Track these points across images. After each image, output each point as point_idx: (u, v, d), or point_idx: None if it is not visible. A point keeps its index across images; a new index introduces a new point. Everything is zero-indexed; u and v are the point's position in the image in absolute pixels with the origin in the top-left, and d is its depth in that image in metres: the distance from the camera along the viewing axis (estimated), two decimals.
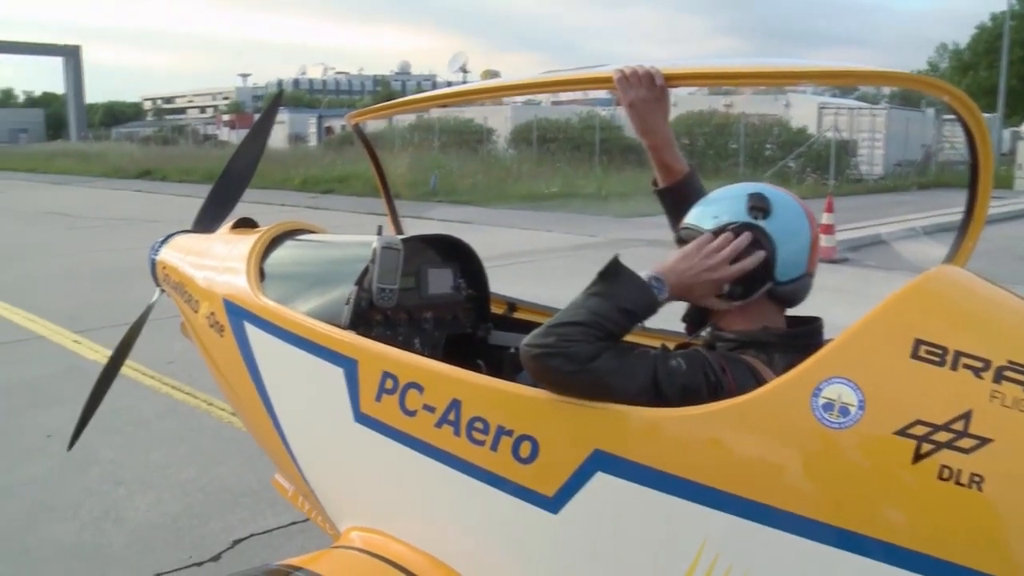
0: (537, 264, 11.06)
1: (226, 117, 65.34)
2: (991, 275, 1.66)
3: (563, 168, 25.12)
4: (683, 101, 31.19)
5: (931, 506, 1.40)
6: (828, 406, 1.46)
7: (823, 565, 1.46)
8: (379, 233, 2.51)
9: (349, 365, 2.18)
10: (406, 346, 2.58)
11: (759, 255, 1.76)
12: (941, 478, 1.38)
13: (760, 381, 1.68)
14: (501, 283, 3.05)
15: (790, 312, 1.89)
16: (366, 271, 2.48)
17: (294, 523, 3.83)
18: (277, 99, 4.06)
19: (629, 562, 1.67)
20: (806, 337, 1.81)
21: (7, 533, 3.89)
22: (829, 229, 11.99)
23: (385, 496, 2.20)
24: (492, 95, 2.54)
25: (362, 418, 2.13)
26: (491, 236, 12.99)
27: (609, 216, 16.86)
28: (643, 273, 1.72)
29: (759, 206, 1.79)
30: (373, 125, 33.68)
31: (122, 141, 53.33)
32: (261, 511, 3.98)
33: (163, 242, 3.45)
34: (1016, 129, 34.10)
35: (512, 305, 2.96)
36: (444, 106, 3.37)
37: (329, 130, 41.50)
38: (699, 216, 1.87)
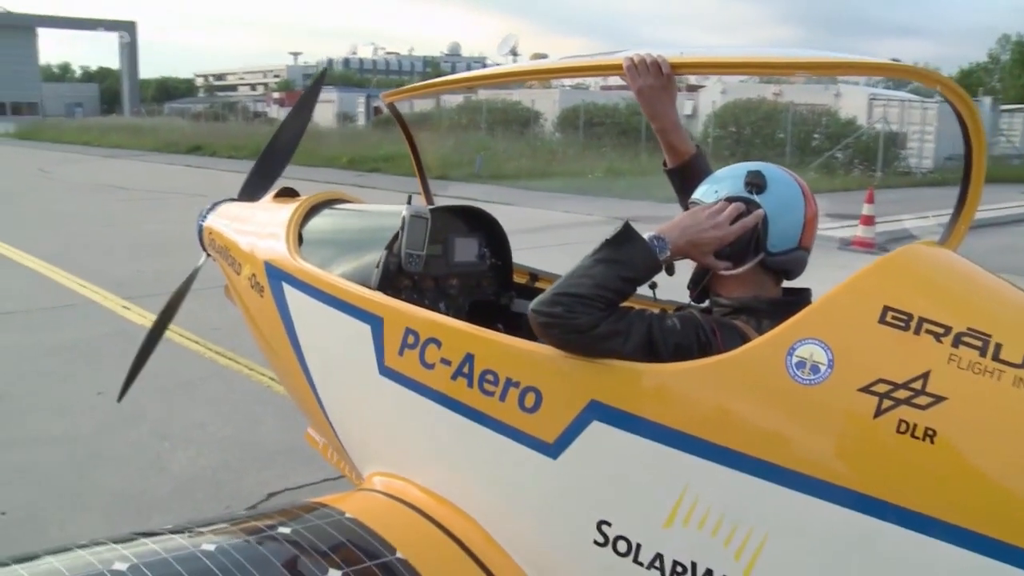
0: (574, 245, 11.15)
1: (276, 95, 66.00)
2: None
3: (608, 152, 25.12)
4: (733, 88, 30.95)
5: (889, 457, 1.53)
6: (800, 364, 1.61)
7: (792, 510, 1.60)
8: (409, 203, 2.68)
9: (375, 322, 2.36)
10: (431, 309, 2.76)
11: (758, 213, 1.92)
12: (899, 431, 1.52)
13: None
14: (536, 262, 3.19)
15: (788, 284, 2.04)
16: (395, 237, 2.66)
17: (326, 479, 4.04)
18: (321, 76, 4.25)
19: (619, 503, 1.83)
20: (794, 305, 1.94)
21: (61, 479, 4.17)
22: (869, 220, 11.98)
23: (405, 444, 2.38)
24: (508, 80, 2.71)
25: (386, 371, 2.31)
26: (531, 216, 13.13)
27: (652, 200, 16.86)
28: (646, 234, 1.87)
29: (754, 182, 1.95)
30: (420, 106, 33.92)
31: (174, 116, 54.27)
32: (295, 468, 4.21)
33: (210, 209, 3.67)
34: None
35: (534, 275, 3.12)
36: (467, 89, 3.52)
37: (377, 110, 41.86)
38: (703, 192, 2.03)
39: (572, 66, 2.34)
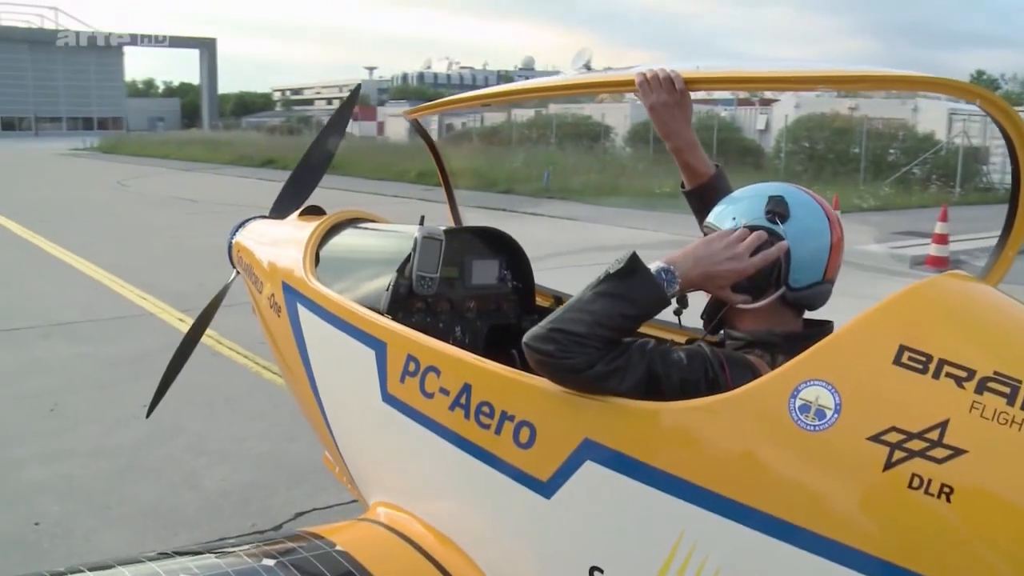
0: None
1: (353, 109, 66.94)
2: None
3: (678, 168, 24.77)
4: (807, 103, 30.38)
5: (900, 515, 1.38)
6: (805, 408, 1.46)
7: (792, 567, 1.46)
8: (421, 223, 2.59)
9: (380, 347, 2.27)
10: (446, 334, 2.66)
11: (781, 246, 1.76)
12: (911, 487, 1.36)
13: None
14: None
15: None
16: (408, 259, 2.57)
17: (354, 501, 3.97)
18: (355, 93, 4.20)
19: (612, 549, 1.70)
20: (813, 340, 1.79)
21: (94, 490, 4.19)
22: (943, 239, 11.54)
23: (406, 474, 2.29)
24: (527, 96, 2.61)
25: (388, 398, 2.22)
26: (596, 234, 13.00)
27: None
28: (653, 265, 1.72)
29: (777, 210, 1.79)
30: (490, 119, 33.99)
31: (250, 130, 55.57)
32: (325, 487, 4.15)
33: (240, 226, 3.64)
34: None
35: (559, 299, 3.00)
36: (487, 105, 3.42)
37: (450, 126, 42.26)
38: (719, 215, 1.89)
39: (585, 82, 2.23)
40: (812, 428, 1.45)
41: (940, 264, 11.26)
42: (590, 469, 1.69)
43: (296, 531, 2.23)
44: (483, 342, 2.80)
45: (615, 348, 1.68)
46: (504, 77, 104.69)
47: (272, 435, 4.96)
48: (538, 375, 1.77)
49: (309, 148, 3.79)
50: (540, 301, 2.99)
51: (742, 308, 1.83)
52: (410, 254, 2.57)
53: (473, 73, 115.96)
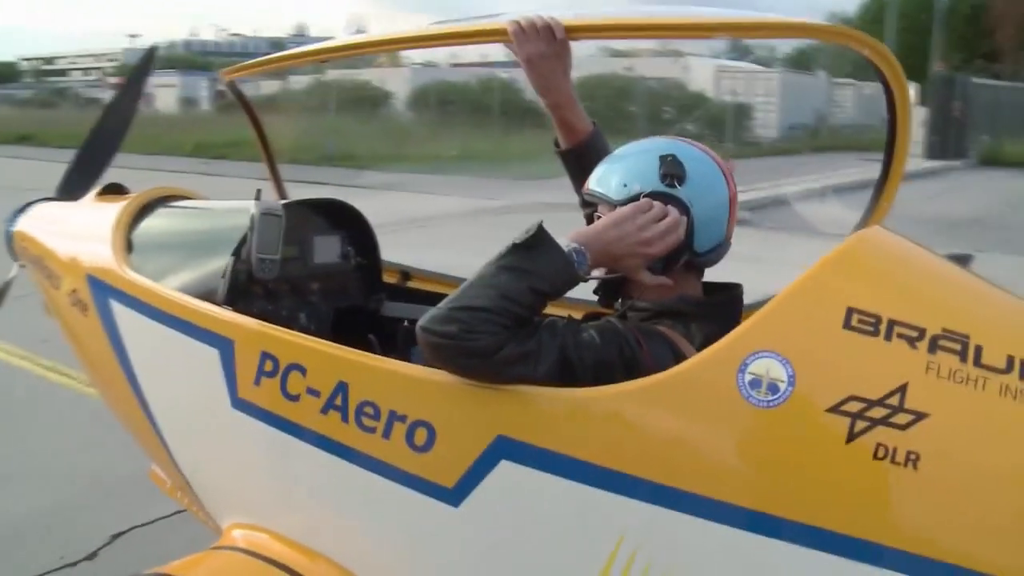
0: (432, 230, 10.83)
1: (113, 80, 62.38)
2: None
3: (463, 131, 24.75)
4: (582, 63, 31.00)
5: (867, 487, 1.28)
6: (756, 382, 1.33)
7: (752, 557, 1.33)
8: (258, 198, 2.27)
9: (224, 345, 1.95)
10: (290, 322, 2.37)
11: (687, 218, 1.62)
12: (876, 457, 1.26)
13: (678, 355, 1.55)
14: (396, 249, 2.84)
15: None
16: (244, 240, 2.25)
17: (183, 511, 3.56)
18: (150, 55, 3.71)
19: (538, 560, 1.51)
20: (726, 306, 1.68)
21: None
22: None
23: (269, 489, 1.98)
24: (380, 49, 2.32)
25: (240, 404, 1.91)
26: (387, 200, 12.70)
27: (508, 179, 16.77)
28: (562, 242, 1.53)
29: (673, 172, 1.64)
30: (266, 88, 32.53)
31: None
32: (143, 500, 3.68)
33: (21, 211, 3.12)
34: None
35: (406, 273, 2.76)
36: (326, 60, 3.10)
37: (221, 94, 40.01)
38: (602, 179, 1.71)
39: (447, 32, 1.98)
40: (766, 404, 1.32)
41: None
42: (506, 469, 1.49)
43: (141, 575, 1.88)
44: (330, 328, 2.52)
45: (524, 329, 1.48)
46: (277, 44, 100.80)
47: (71, 446, 4.37)
48: (432, 366, 1.54)
49: (99, 119, 3.29)
50: (386, 278, 2.73)
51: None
52: (246, 234, 2.24)
53: (243, 40, 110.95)
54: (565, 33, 1.78)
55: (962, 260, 1.65)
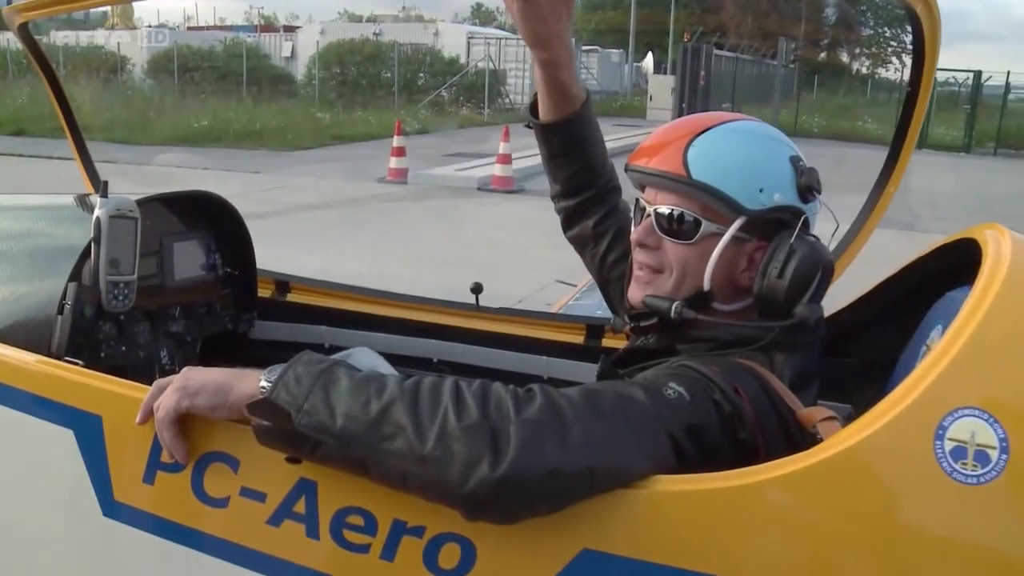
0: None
1: None
2: None
3: (210, 100, 22.99)
4: (332, 29, 30.02)
5: None
6: (959, 452, 0.97)
7: None
8: (104, 194, 1.59)
9: (85, 423, 1.32)
10: (148, 367, 1.75)
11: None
12: None
13: (771, 396, 1.16)
14: None
15: None
16: (84, 256, 1.58)
17: None
18: None
19: None
20: (810, 331, 1.28)
21: None
22: (506, 159, 11.92)
23: None
24: None
25: (119, 510, 1.30)
26: (142, 177, 11.43)
27: (265, 151, 15.82)
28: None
29: (812, 184, 1.26)
30: None
31: None
32: None
33: None
34: (639, 64, 37.26)
35: (284, 284, 2.17)
36: (119, 3, 2.39)
37: None
38: (724, 174, 1.23)
39: None
40: (975, 480, 0.97)
41: (506, 184, 11.66)
42: None
43: None
44: (197, 362, 1.90)
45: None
46: None
47: None
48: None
49: None
50: (260, 291, 2.14)
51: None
52: (88, 246, 1.57)
53: None
54: None
55: None
